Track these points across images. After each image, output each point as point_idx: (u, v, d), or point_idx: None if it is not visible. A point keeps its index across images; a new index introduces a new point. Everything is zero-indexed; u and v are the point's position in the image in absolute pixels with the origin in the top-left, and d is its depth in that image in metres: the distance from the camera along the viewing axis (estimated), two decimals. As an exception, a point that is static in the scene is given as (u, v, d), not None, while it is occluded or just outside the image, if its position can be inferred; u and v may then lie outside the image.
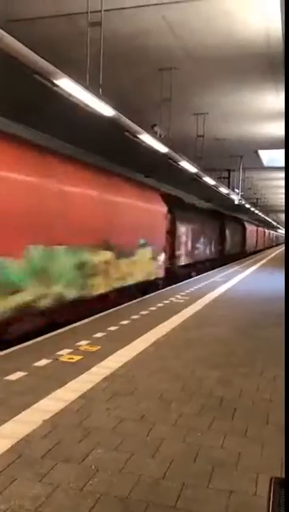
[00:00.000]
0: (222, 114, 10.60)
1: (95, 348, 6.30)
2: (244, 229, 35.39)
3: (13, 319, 7.02)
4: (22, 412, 4.06)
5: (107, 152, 12.68)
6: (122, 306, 9.97)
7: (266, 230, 57.25)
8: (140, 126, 7.37)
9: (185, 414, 4.17)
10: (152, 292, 12.34)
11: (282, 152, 15.22)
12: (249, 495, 2.93)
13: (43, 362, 5.57)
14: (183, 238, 17.25)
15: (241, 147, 14.18)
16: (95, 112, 6.12)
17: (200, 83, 8.56)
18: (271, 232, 68.57)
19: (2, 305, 6.63)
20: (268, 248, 57.99)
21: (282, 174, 19.64)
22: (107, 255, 10.11)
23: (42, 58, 4.66)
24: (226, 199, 19.91)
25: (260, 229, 49.29)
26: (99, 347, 6.34)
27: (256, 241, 44.12)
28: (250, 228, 39.54)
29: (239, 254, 32.46)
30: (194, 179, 13.78)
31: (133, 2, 5.72)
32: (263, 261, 29.38)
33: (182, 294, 12.08)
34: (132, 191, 11.83)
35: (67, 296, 8.39)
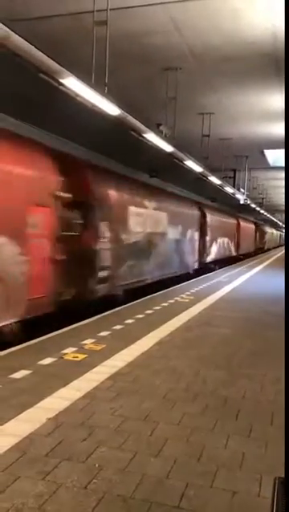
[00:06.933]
0: (228, 114, 10.58)
1: (99, 347, 6.30)
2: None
3: None
4: (26, 411, 4.07)
5: (112, 151, 12.68)
6: (127, 305, 9.97)
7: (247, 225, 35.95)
8: (145, 125, 7.36)
9: (189, 414, 4.16)
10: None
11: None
12: (252, 496, 2.92)
13: (48, 360, 5.58)
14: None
15: (246, 147, 14.16)
16: (101, 111, 6.12)
17: (205, 82, 8.54)
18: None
19: None
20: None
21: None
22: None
23: (48, 56, 4.67)
24: (232, 198, 19.89)
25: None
26: (103, 346, 6.35)
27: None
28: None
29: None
30: (200, 178, 13.77)
31: (139, 1, 5.71)
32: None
33: (187, 293, 12.06)
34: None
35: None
